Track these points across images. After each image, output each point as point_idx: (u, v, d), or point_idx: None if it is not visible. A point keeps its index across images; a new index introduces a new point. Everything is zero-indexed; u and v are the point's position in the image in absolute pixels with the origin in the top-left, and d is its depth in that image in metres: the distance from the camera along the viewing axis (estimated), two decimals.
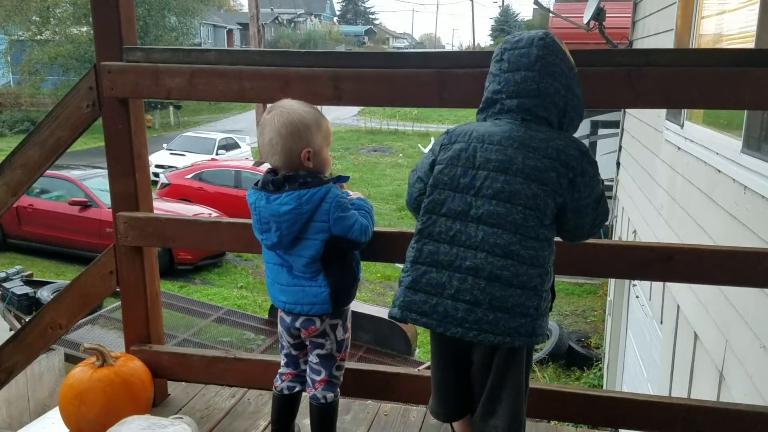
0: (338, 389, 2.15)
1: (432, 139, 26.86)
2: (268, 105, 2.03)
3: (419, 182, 1.88)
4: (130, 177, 2.38)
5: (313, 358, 2.11)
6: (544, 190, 1.70)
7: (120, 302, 2.60)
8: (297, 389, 2.19)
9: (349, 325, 2.14)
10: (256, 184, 2.02)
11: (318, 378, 2.11)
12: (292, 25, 62.68)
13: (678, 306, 4.09)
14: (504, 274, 1.69)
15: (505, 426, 1.78)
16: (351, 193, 2.09)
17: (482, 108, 1.85)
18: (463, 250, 1.73)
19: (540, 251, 1.71)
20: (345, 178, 2.06)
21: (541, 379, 8.77)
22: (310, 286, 2.00)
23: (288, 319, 2.08)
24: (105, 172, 2.43)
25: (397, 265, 1.95)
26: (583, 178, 1.73)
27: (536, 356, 9.26)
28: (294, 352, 2.17)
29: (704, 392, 3.47)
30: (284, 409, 2.20)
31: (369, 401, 2.58)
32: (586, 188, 1.74)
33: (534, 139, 1.72)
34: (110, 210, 2.47)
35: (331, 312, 2.03)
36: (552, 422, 2.53)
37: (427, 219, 1.79)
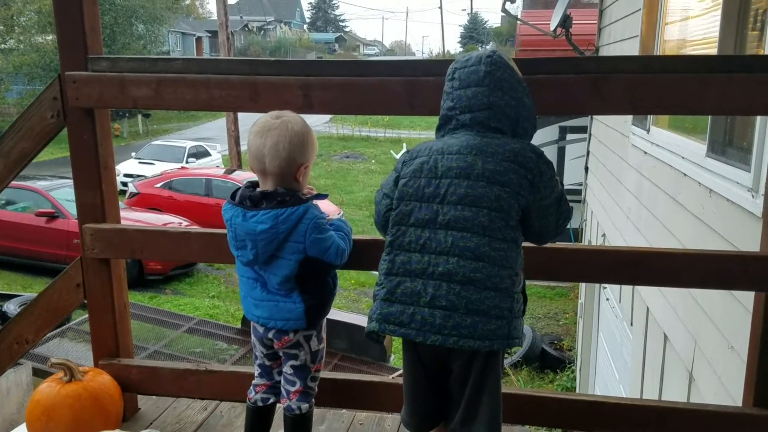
0: (313, 400, 2.13)
1: (404, 145, 26.96)
2: (273, 112, 2.00)
3: (386, 198, 1.91)
4: (96, 188, 2.34)
5: (287, 369, 2.09)
6: (506, 191, 1.74)
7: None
8: (271, 401, 2.16)
9: (324, 335, 2.12)
10: (232, 196, 1.99)
11: (293, 389, 2.09)
12: (262, 32, 62.43)
13: (647, 308, 4.15)
14: (477, 276, 1.71)
15: (486, 431, 1.79)
16: (329, 215, 2.08)
17: (439, 126, 1.91)
18: (435, 256, 1.75)
19: (508, 252, 1.74)
20: (323, 196, 2.05)
21: (515, 383, 8.82)
22: (285, 302, 1.98)
23: (261, 329, 2.06)
24: (72, 182, 2.39)
25: (372, 272, 1.95)
26: (542, 179, 1.78)
27: (510, 359, 9.32)
28: (267, 363, 2.14)
29: (675, 393, 3.52)
30: (258, 421, 2.17)
31: (344, 410, 2.56)
32: (546, 189, 1.79)
33: (491, 145, 1.78)
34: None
35: (304, 327, 2.01)
36: (526, 426, 2.54)
37: (397, 230, 1.82)
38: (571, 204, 1.90)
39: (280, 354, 2.09)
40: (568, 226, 1.95)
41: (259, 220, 1.90)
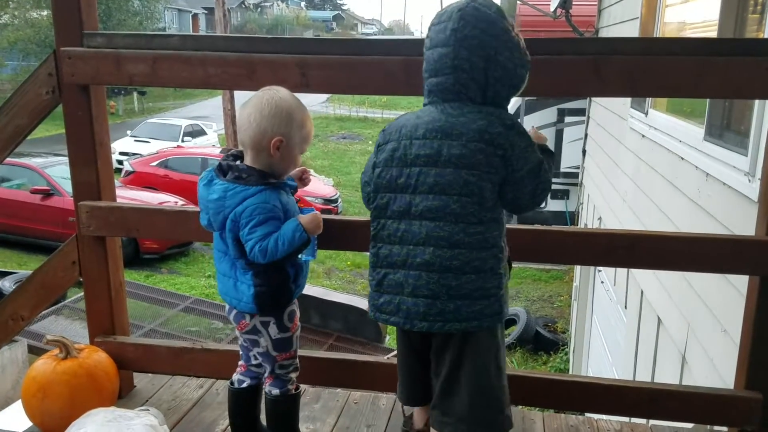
0: (289, 386, 2.06)
1: None
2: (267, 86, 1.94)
3: (367, 186, 1.86)
4: (91, 165, 2.33)
5: (254, 354, 2.05)
6: (475, 174, 1.67)
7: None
8: (246, 383, 2.09)
9: (289, 324, 2.00)
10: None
11: (266, 374, 2.06)
12: (259, 9, 61.87)
13: (642, 291, 4.17)
14: (454, 264, 1.69)
15: (456, 421, 1.78)
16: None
17: (425, 94, 1.82)
18: (413, 248, 1.74)
19: (486, 233, 1.70)
20: (293, 187, 1.98)
21: (509, 364, 8.88)
22: (242, 282, 1.92)
23: (227, 309, 2.04)
24: (67, 159, 2.37)
25: (366, 253, 1.94)
26: (514, 152, 1.68)
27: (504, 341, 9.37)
28: (245, 344, 2.08)
29: (667, 375, 3.55)
30: (236, 403, 2.11)
31: (339, 389, 2.58)
32: (519, 161, 1.68)
33: (455, 126, 1.68)
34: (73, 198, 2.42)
35: (256, 313, 1.94)
36: (519, 407, 2.56)
37: (377, 224, 1.82)
38: (567, 187, 1.90)
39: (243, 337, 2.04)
40: (565, 209, 1.95)
41: (213, 190, 1.89)
